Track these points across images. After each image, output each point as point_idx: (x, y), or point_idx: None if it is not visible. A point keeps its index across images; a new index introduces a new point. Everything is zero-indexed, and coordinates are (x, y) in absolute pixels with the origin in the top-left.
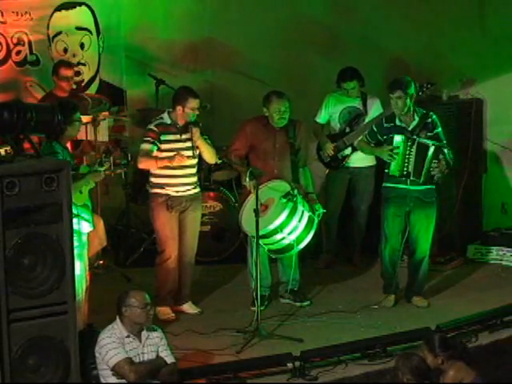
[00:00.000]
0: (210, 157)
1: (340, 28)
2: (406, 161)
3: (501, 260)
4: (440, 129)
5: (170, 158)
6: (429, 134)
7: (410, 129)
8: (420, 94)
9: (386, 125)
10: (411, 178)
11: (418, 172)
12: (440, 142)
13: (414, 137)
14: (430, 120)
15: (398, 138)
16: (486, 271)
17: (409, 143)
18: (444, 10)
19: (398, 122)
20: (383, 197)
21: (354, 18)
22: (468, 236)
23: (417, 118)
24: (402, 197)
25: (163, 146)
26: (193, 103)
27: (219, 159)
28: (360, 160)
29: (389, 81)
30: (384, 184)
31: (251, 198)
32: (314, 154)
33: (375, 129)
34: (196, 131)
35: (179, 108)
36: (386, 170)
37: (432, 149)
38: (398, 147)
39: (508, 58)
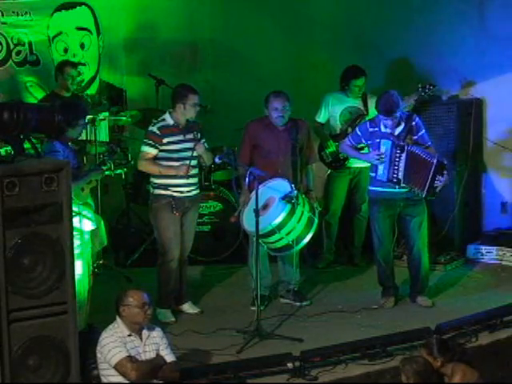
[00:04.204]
0: (206, 160)
1: (340, 28)
2: (396, 167)
3: (501, 260)
4: (424, 130)
5: (177, 169)
6: (414, 137)
7: (396, 134)
8: (422, 95)
9: (370, 129)
10: (402, 185)
11: (408, 179)
12: (424, 145)
13: (403, 144)
14: (414, 123)
15: (385, 144)
16: (486, 271)
17: (398, 150)
18: (444, 10)
19: (383, 129)
20: (371, 200)
21: (354, 18)
22: (468, 236)
23: (402, 124)
24: (391, 199)
25: (167, 148)
26: (193, 99)
27: (219, 159)
28: (361, 160)
29: (389, 81)
30: (371, 188)
31: (253, 196)
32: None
33: (359, 132)
34: (200, 147)
35: (180, 106)
36: (373, 174)
37: (435, 164)
38: (384, 153)
39: (508, 58)
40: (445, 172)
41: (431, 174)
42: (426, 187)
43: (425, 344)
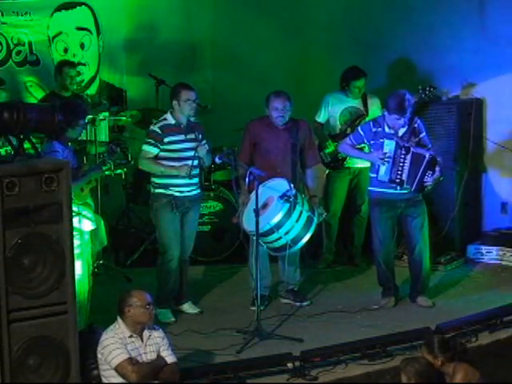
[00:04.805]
0: (206, 162)
1: (340, 28)
2: (400, 168)
3: (501, 260)
4: (424, 133)
5: (179, 169)
6: (415, 139)
7: (400, 135)
8: (423, 97)
9: (373, 129)
10: (405, 186)
11: (412, 181)
12: (426, 147)
13: (408, 145)
14: (416, 125)
15: (388, 144)
16: (486, 271)
17: (403, 151)
18: (443, 10)
19: (386, 129)
20: (372, 201)
21: (353, 19)
22: (468, 236)
23: (406, 126)
24: (392, 200)
25: (168, 147)
26: (186, 95)
27: (219, 159)
28: (361, 160)
29: (389, 81)
30: (371, 189)
31: (253, 197)
32: None
33: (362, 132)
34: (201, 149)
35: (175, 103)
36: (374, 175)
37: (427, 159)
38: (388, 153)
39: (508, 57)
40: (437, 168)
41: (422, 167)
42: (416, 181)
43: (425, 342)
